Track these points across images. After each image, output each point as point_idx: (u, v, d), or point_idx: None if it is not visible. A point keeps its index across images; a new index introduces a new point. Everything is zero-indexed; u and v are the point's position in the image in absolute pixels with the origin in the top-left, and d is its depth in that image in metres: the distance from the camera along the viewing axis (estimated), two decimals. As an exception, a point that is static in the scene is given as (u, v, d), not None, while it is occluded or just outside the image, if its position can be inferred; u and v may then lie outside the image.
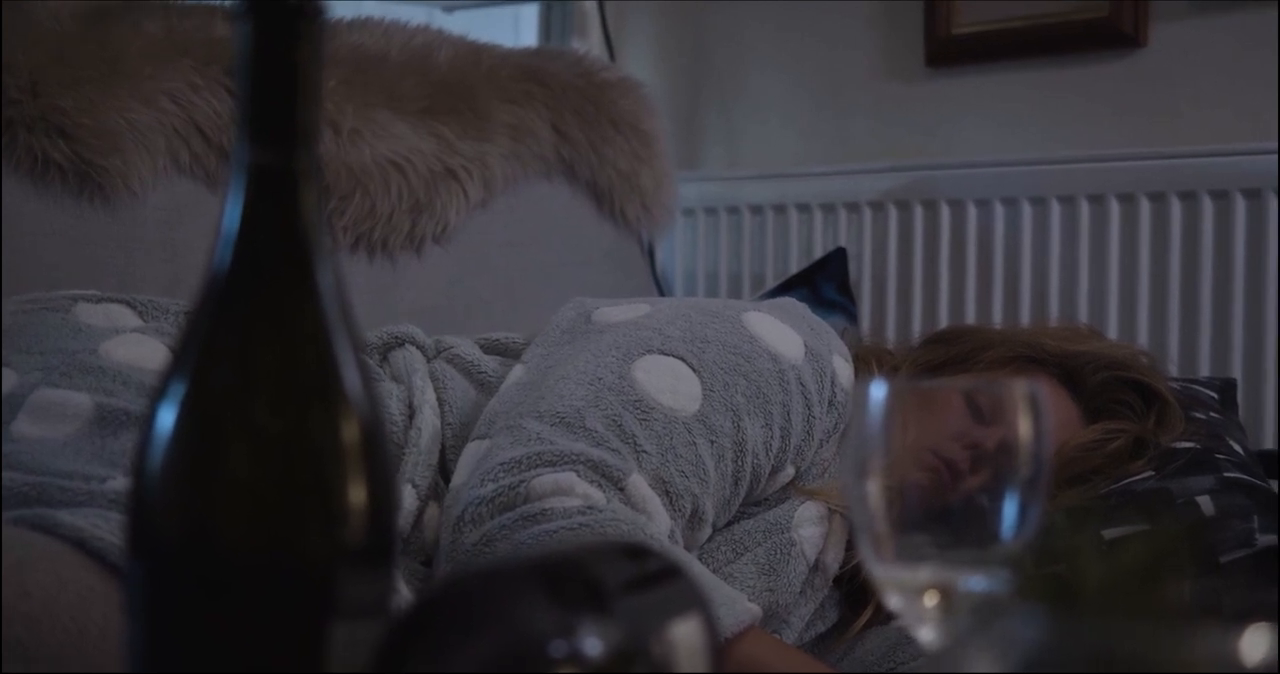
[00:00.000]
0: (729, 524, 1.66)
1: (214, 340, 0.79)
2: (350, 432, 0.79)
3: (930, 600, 0.86)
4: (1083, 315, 2.54)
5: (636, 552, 0.89)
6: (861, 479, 0.88)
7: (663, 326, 1.65)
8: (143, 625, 0.78)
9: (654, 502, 1.52)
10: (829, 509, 1.69)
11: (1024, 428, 0.88)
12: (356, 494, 0.78)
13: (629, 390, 1.57)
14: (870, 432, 0.88)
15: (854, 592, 1.75)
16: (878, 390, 0.88)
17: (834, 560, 1.70)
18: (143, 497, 0.79)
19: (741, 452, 1.60)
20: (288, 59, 0.79)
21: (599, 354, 1.62)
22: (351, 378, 0.79)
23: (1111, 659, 0.56)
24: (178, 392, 0.78)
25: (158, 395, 0.78)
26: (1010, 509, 0.87)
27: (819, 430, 1.67)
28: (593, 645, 0.76)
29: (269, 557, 0.77)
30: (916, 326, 2.71)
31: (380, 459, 0.80)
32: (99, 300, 1.65)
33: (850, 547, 1.71)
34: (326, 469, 0.78)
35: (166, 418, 0.78)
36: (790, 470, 1.67)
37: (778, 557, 1.65)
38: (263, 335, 0.79)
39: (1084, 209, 2.59)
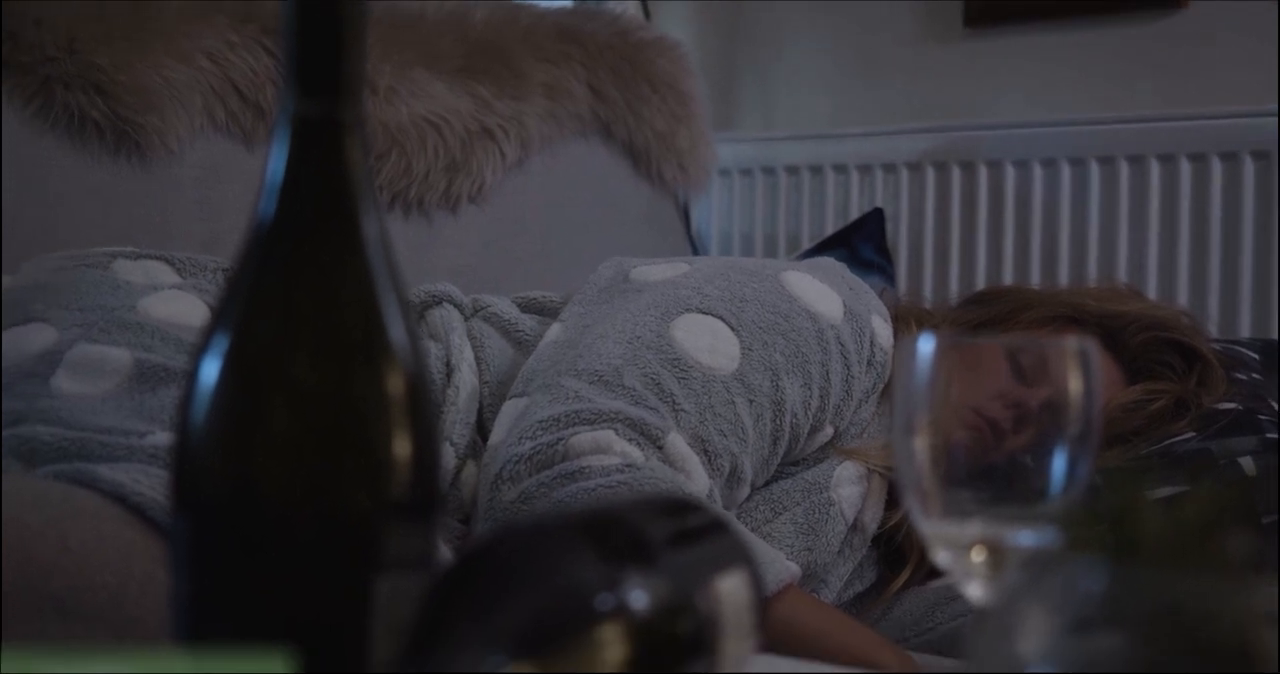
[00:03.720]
0: (767, 484, 1.66)
1: (258, 292, 0.79)
2: (395, 385, 0.78)
3: (978, 556, 0.85)
4: (1122, 277, 2.52)
5: (680, 506, 0.89)
6: (908, 435, 0.87)
7: (701, 286, 1.64)
8: (186, 580, 0.78)
9: (692, 460, 1.52)
10: (868, 469, 1.69)
11: (1074, 384, 0.87)
12: (401, 447, 0.78)
13: (667, 349, 1.57)
14: (917, 387, 0.87)
15: (892, 552, 1.74)
16: (925, 345, 0.87)
17: (872, 520, 1.70)
18: (186, 451, 0.78)
19: (780, 411, 1.59)
20: (333, 10, 0.78)
21: (637, 313, 1.61)
22: (397, 330, 0.79)
23: (1171, 610, 0.55)
24: (221, 344, 0.78)
25: (201, 348, 0.78)
26: (1059, 465, 0.86)
27: (858, 390, 1.66)
28: (638, 599, 0.76)
29: (313, 510, 0.76)
30: (954, 288, 2.70)
31: (424, 412, 0.80)
32: (137, 257, 1.65)
33: (889, 506, 1.70)
34: (370, 422, 0.78)
35: (210, 371, 0.77)
36: (829, 430, 1.67)
37: (816, 516, 1.65)
38: (307, 286, 0.78)
39: (1123, 170, 2.57)
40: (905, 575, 1.72)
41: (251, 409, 0.77)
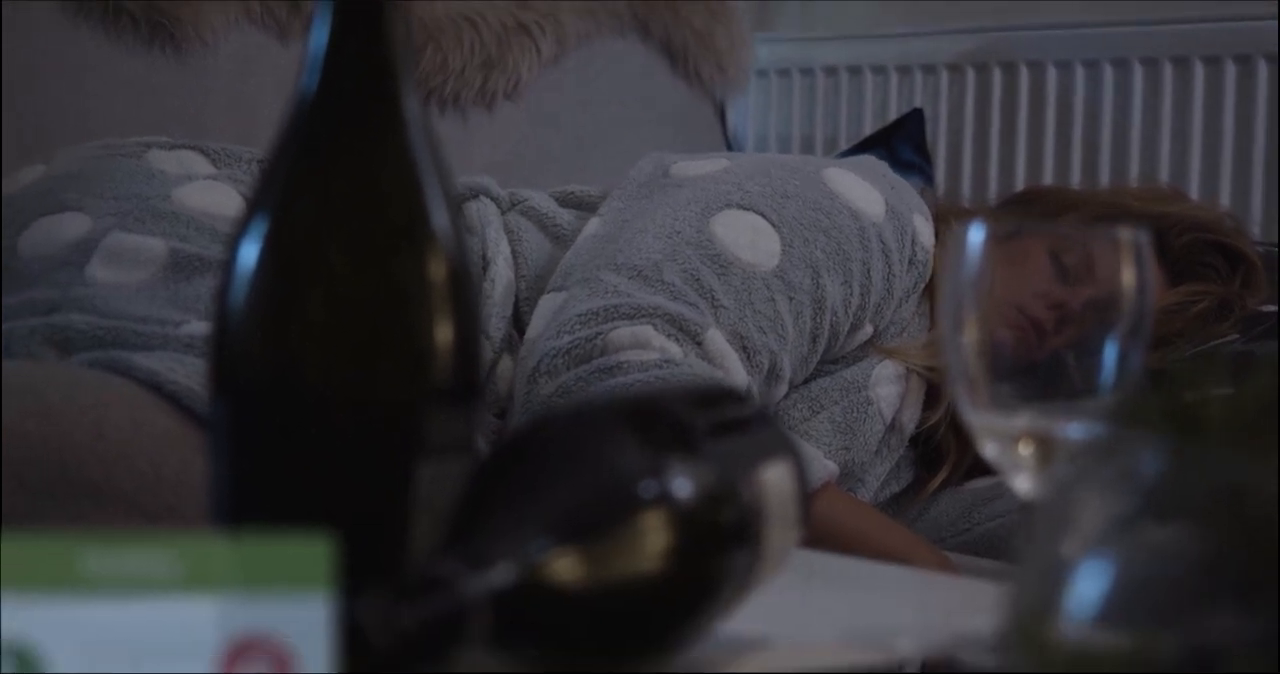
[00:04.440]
0: (805, 382, 1.65)
1: (297, 172, 0.77)
2: (437, 269, 0.77)
3: (1025, 449, 0.84)
4: (1164, 180, 2.49)
5: (723, 396, 0.88)
6: (955, 325, 0.85)
7: (742, 181, 1.63)
8: (225, 466, 0.77)
9: (731, 357, 1.51)
10: (907, 369, 1.67)
11: (1127, 275, 0.86)
12: (442, 332, 0.77)
13: (707, 245, 1.55)
14: (964, 275, 0.85)
15: (929, 453, 1.74)
16: (975, 234, 0.86)
17: (910, 420, 1.69)
18: (225, 335, 0.77)
19: (820, 308, 1.58)
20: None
21: (677, 208, 1.60)
22: (439, 213, 0.78)
23: (1231, 493, 0.54)
24: (260, 226, 0.76)
25: (241, 229, 0.77)
26: (1110, 359, 0.85)
27: (899, 289, 1.65)
28: (682, 486, 0.75)
29: (353, 396, 0.75)
30: (993, 190, 2.67)
31: (466, 297, 0.78)
32: (172, 147, 1.64)
33: (927, 406, 1.69)
34: (412, 307, 0.77)
35: (249, 253, 0.76)
36: (869, 329, 1.65)
37: (854, 415, 1.64)
38: (348, 167, 0.77)
39: (1167, 72, 2.54)
40: (942, 475, 1.72)
41: (291, 293, 0.76)
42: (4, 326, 1.41)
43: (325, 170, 0.77)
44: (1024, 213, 1.80)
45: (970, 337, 0.85)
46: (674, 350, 1.47)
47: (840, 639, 0.88)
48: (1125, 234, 0.86)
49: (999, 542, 1.66)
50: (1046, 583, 0.59)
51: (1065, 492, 0.63)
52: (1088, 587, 0.58)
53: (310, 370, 0.75)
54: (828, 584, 1.07)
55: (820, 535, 1.44)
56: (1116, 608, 0.58)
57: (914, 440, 1.72)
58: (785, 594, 0.88)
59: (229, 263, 0.77)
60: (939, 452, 1.72)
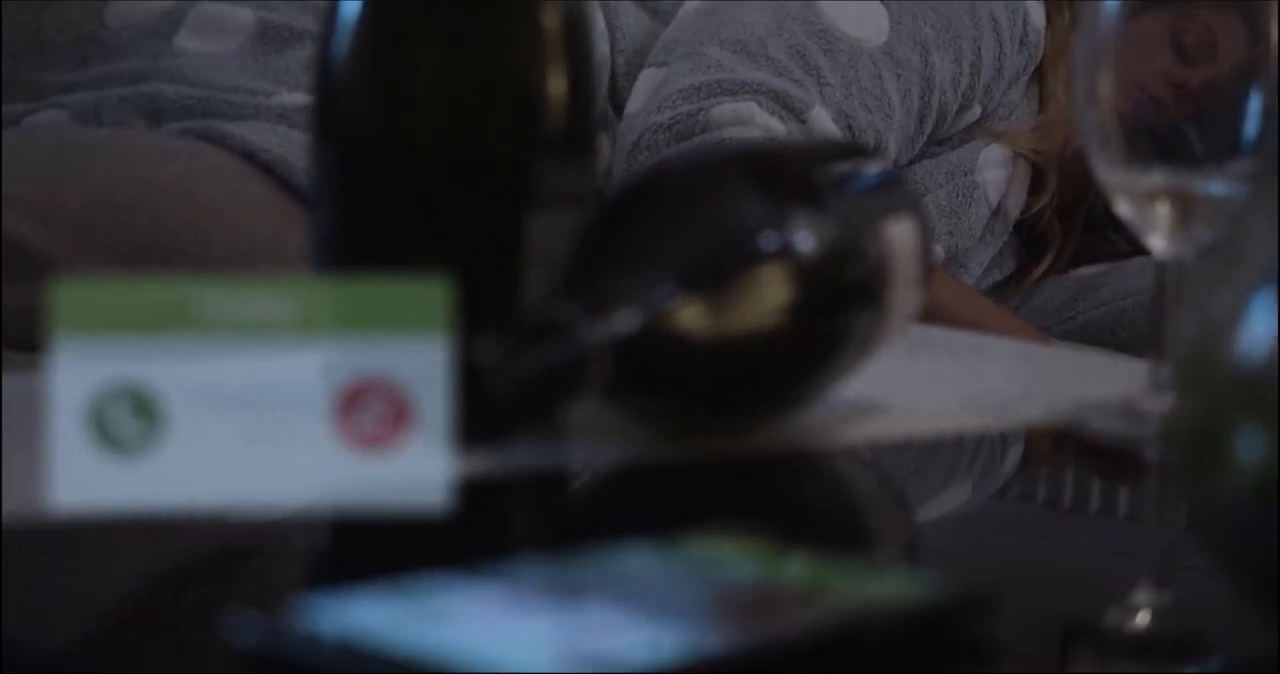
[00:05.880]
0: (910, 163, 1.61)
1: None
2: (551, 16, 0.74)
3: (1162, 207, 0.80)
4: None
5: (847, 152, 0.84)
6: (1092, 70, 0.82)
7: (850, -45, 1.57)
8: (332, 220, 0.74)
9: (835, 136, 1.47)
10: (1014, 153, 1.63)
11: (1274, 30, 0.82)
12: (556, 82, 0.73)
13: (814, 19, 1.51)
14: (1105, 20, 0.81)
15: (1034, 240, 1.71)
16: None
17: (1015, 205, 1.66)
18: (329, 86, 0.74)
19: (929, 87, 1.54)
20: None
21: (784, -20, 1.55)
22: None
23: None
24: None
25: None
26: (1253, 118, 0.81)
27: (1009, 69, 1.60)
28: (805, 239, 0.72)
29: (465, 146, 0.72)
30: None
31: (581, 47, 0.75)
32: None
33: (1033, 192, 1.66)
34: (525, 55, 0.73)
35: (354, 2, 0.73)
36: (977, 110, 1.61)
37: (959, 199, 1.61)
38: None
39: None
40: (1047, 263, 1.69)
41: (397, 44, 0.73)
42: (93, 96, 1.39)
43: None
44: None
45: (1106, 85, 0.81)
46: (777, 128, 1.44)
47: (961, 405, 0.85)
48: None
49: (1104, 330, 1.64)
50: (1212, 320, 0.56)
51: (1234, 226, 0.60)
52: (1257, 322, 0.55)
53: (417, 123, 0.73)
54: (938, 355, 1.04)
55: (924, 318, 1.41)
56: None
57: (1018, 227, 1.69)
58: (899, 362, 0.85)
59: (332, 11, 0.73)
60: (1043, 239, 1.69)
